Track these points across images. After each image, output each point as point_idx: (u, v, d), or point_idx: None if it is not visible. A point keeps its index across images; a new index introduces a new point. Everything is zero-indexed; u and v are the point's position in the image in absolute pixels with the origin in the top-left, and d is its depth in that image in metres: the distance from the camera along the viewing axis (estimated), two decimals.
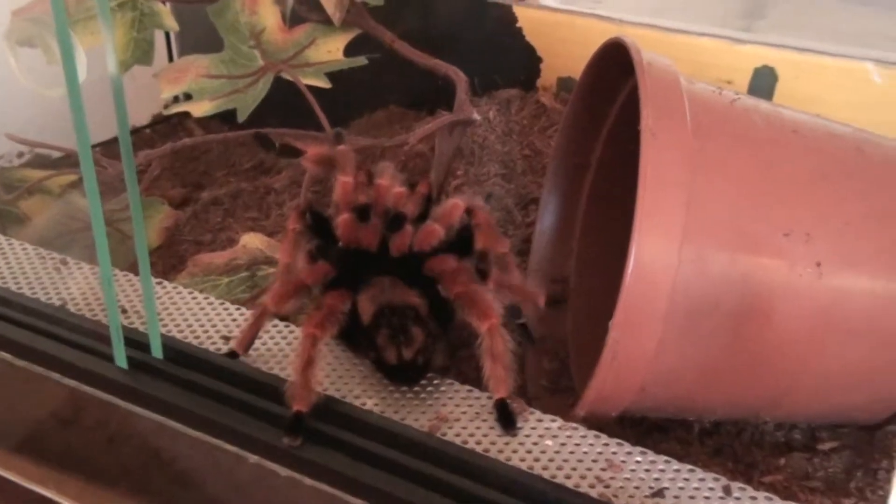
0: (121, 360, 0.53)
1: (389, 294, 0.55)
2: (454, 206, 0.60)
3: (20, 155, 0.93)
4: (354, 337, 0.56)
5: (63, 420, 0.56)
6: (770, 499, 0.47)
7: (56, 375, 0.54)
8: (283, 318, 0.60)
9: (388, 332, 0.53)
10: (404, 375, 0.54)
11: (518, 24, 0.96)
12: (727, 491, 0.47)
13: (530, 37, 0.96)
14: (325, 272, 0.56)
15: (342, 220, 0.59)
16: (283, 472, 0.49)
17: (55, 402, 0.55)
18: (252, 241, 0.74)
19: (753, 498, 0.47)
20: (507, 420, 0.51)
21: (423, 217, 0.61)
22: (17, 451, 0.57)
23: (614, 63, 0.65)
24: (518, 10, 0.96)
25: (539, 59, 0.96)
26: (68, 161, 0.87)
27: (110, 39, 0.48)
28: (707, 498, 0.47)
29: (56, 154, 0.89)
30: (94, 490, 0.56)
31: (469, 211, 0.60)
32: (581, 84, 0.71)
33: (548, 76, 0.96)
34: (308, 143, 0.66)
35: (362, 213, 0.59)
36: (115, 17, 0.83)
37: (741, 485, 0.48)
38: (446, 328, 0.56)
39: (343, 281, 0.56)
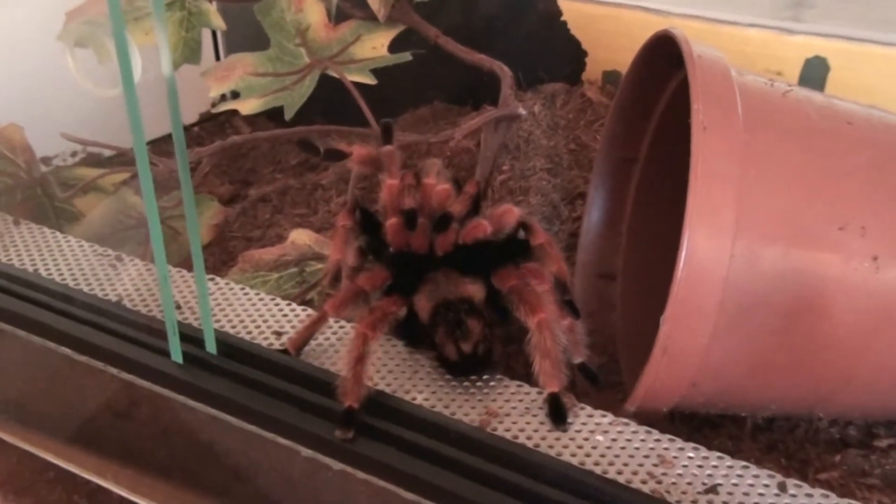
0: (176, 355, 0.54)
1: (444, 289, 0.55)
2: (508, 210, 0.59)
3: (74, 154, 0.95)
4: (415, 335, 0.56)
5: (120, 413, 0.57)
6: (826, 496, 0.46)
7: (114, 370, 0.55)
8: None
9: (445, 328, 0.53)
10: (467, 369, 0.54)
11: (563, 18, 0.96)
12: (782, 487, 0.47)
13: (575, 30, 0.96)
14: (383, 278, 0.57)
15: (390, 226, 0.60)
16: (336, 465, 0.49)
17: (113, 396, 0.56)
18: (300, 238, 0.75)
19: (809, 495, 0.46)
20: (558, 415, 0.51)
21: (471, 216, 0.61)
22: (77, 443, 0.58)
23: (662, 56, 0.65)
24: (562, 4, 0.95)
25: (584, 53, 0.96)
26: (120, 159, 0.89)
27: (165, 38, 0.49)
28: (762, 494, 0.46)
29: (108, 152, 0.90)
30: (150, 481, 0.57)
31: (526, 227, 0.59)
32: (628, 77, 0.70)
33: (593, 70, 0.96)
34: (353, 145, 0.66)
35: (410, 216, 0.59)
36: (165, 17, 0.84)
37: (797, 481, 0.47)
38: (504, 315, 0.56)
39: (399, 283, 0.56)
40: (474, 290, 0.56)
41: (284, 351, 0.56)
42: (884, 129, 0.59)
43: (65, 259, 0.67)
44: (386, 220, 0.60)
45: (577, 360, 0.58)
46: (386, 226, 0.60)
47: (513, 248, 0.58)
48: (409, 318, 0.55)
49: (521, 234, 0.59)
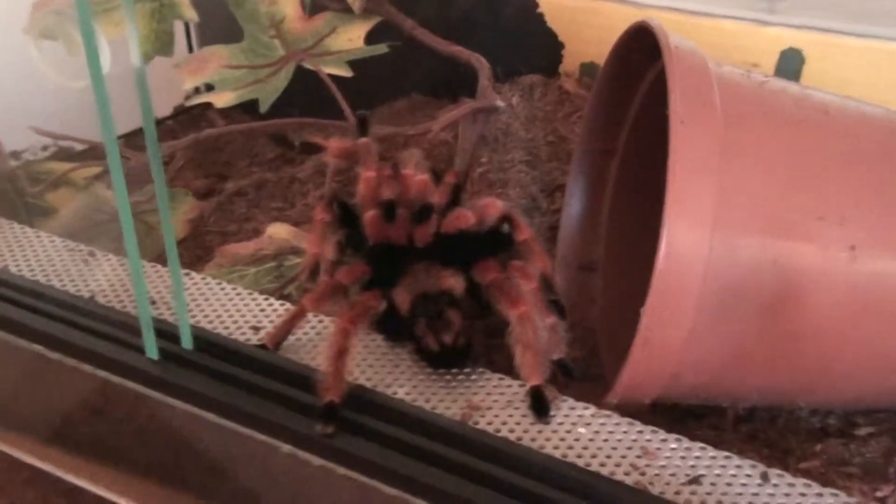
0: (152, 351, 0.53)
1: (424, 282, 0.54)
2: (491, 203, 0.59)
3: (45, 148, 0.93)
4: (395, 328, 0.56)
5: (95, 411, 0.56)
6: (808, 485, 0.46)
7: (88, 367, 0.54)
8: None
9: (426, 320, 0.53)
10: (447, 361, 0.54)
11: (539, 10, 0.95)
12: (765, 477, 0.47)
13: (552, 22, 0.95)
14: (361, 272, 0.56)
15: (368, 218, 0.59)
16: (316, 461, 0.49)
17: (88, 394, 0.55)
18: (278, 232, 0.74)
19: (791, 484, 0.47)
20: (540, 408, 0.51)
21: (452, 207, 0.60)
22: (52, 442, 0.57)
23: (639, 47, 0.65)
24: None
25: (561, 45, 0.96)
26: (92, 153, 0.87)
27: (133, 29, 0.48)
28: (744, 485, 0.46)
29: (79, 146, 0.89)
30: (127, 479, 0.56)
31: (509, 221, 0.58)
32: (605, 69, 0.70)
33: (570, 62, 0.95)
34: (329, 138, 0.65)
35: (388, 208, 0.59)
36: (136, 9, 0.83)
37: (779, 471, 0.47)
38: (484, 308, 0.55)
39: (379, 277, 0.56)
40: (454, 282, 0.55)
41: (262, 346, 0.56)
42: (861, 119, 0.60)
43: (35, 255, 0.65)
44: (364, 213, 0.60)
45: (556, 356, 0.57)
46: (364, 218, 0.60)
47: (494, 242, 0.58)
48: (389, 312, 0.55)
49: (504, 227, 0.59)
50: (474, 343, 0.54)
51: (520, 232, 0.58)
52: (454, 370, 0.54)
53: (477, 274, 0.55)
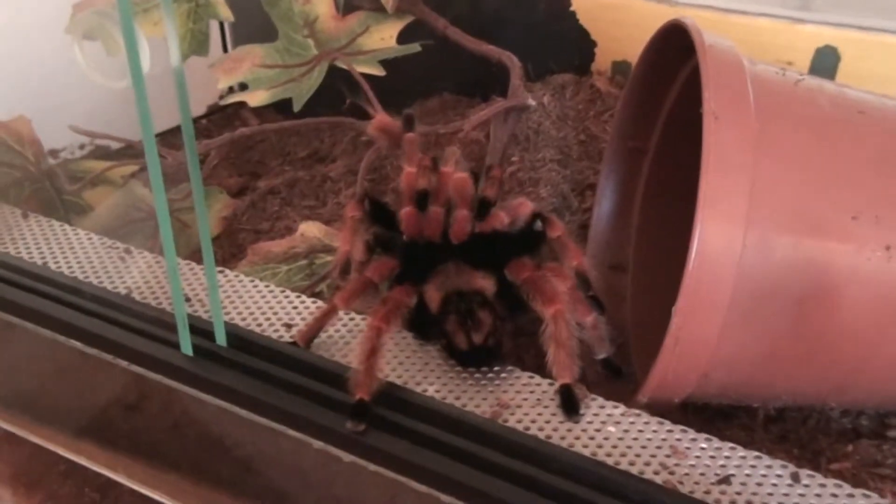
0: (186, 347, 0.54)
1: (455, 280, 0.55)
2: (522, 203, 0.59)
3: (82, 146, 0.95)
4: (424, 326, 0.56)
5: (130, 406, 0.57)
6: (840, 486, 0.46)
7: (124, 363, 0.55)
8: None
9: (457, 318, 0.53)
10: (476, 360, 0.54)
11: (571, 8, 0.95)
12: (795, 478, 0.47)
13: (584, 20, 0.95)
14: (391, 267, 0.56)
15: (406, 213, 0.59)
16: (347, 457, 0.49)
17: (123, 389, 0.56)
18: (310, 230, 0.75)
19: (823, 485, 0.46)
20: (570, 406, 0.51)
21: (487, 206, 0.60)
22: (87, 437, 0.58)
23: (673, 46, 0.65)
24: None
25: (593, 43, 0.95)
26: (128, 152, 0.89)
27: (173, 29, 0.48)
28: (775, 485, 0.46)
29: (116, 145, 0.90)
30: (161, 474, 0.57)
31: (542, 220, 0.59)
32: (638, 67, 0.70)
33: (602, 60, 0.95)
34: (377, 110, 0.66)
35: (422, 197, 0.59)
36: (173, 8, 0.84)
37: (810, 472, 0.47)
38: (513, 310, 0.55)
39: (409, 273, 0.56)
40: (485, 284, 0.55)
41: (294, 343, 0.56)
42: None
43: (73, 252, 0.66)
44: (401, 208, 0.60)
45: (601, 355, 0.57)
46: (401, 213, 0.60)
47: (526, 242, 0.58)
48: (419, 310, 0.55)
49: (537, 226, 0.59)
50: (504, 343, 0.54)
51: (552, 229, 0.58)
52: (484, 368, 0.55)
53: (511, 272, 0.55)
